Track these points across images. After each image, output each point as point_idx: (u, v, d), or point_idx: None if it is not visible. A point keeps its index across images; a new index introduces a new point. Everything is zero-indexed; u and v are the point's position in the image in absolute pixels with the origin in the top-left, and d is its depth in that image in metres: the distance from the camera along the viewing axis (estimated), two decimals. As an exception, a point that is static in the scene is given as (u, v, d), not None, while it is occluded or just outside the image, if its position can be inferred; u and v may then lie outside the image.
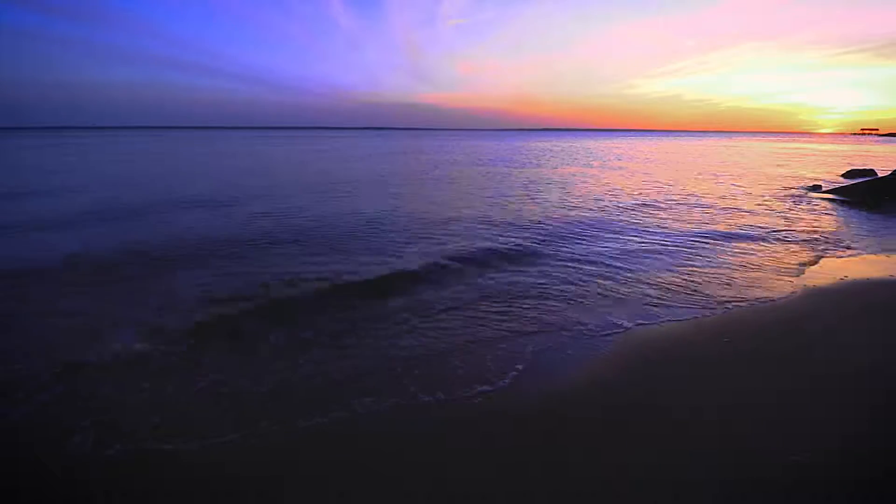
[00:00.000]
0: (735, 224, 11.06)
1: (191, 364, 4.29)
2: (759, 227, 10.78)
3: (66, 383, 3.93)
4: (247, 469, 3.02)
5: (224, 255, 7.91)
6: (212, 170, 24.25)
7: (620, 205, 13.75)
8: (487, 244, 8.69)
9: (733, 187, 18.29)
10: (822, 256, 8.19)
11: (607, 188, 17.77)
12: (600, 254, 8.23)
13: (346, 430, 3.40)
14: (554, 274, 7.03)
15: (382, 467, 3.03)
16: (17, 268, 7.02)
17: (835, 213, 12.67)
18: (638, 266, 7.45)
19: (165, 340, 4.68)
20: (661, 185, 19.05)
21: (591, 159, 34.78)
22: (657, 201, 14.51)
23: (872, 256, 8.23)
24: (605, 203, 14.07)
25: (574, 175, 22.89)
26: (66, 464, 3.05)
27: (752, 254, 8.29)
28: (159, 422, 3.45)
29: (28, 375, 4.04)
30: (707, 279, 6.80)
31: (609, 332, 5.03)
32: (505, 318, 5.38)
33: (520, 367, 4.31)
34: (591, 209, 12.99)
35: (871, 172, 21.64)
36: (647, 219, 11.67)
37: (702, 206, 13.76)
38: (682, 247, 8.78)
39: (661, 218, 11.81)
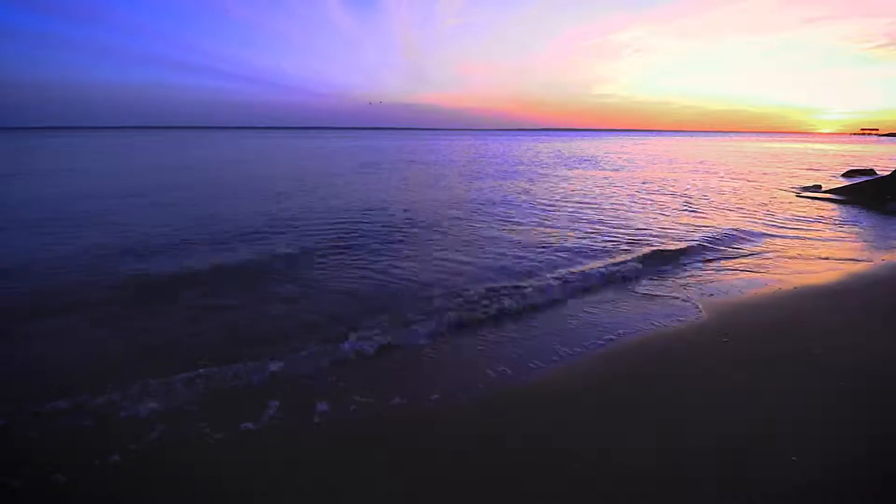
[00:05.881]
0: (734, 223, 11.04)
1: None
2: (759, 226, 10.76)
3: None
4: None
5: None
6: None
7: (609, 201, 13.73)
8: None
9: (731, 186, 18.27)
10: (822, 256, 8.17)
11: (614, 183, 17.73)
12: (592, 249, 8.21)
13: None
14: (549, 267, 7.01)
15: (371, 469, 3.02)
16: None
17: (835, 213, 12.66)
18: (628, 266, 7.41)
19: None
20: (656, 182, 19.04)
21: (592, 161, 34.73)
22: (648, 197, 14.50)
23: (872, 255, 8.21)
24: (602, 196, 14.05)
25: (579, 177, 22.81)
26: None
27: (750, 252, 8.26)
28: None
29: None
30: (705, 278, 6.78)
31: (607, 329, 5.02)
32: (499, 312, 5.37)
33: (517, 362, 4.30)
34: (586, 206, 12.97)
35: (871, 172, 21.64)
36: (637, 216, 11.64)
37: (699, 204, 13.74)
38: (677, 243, 8.75)
39: (655, 214, 11.79)
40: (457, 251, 8.14)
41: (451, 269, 7.16)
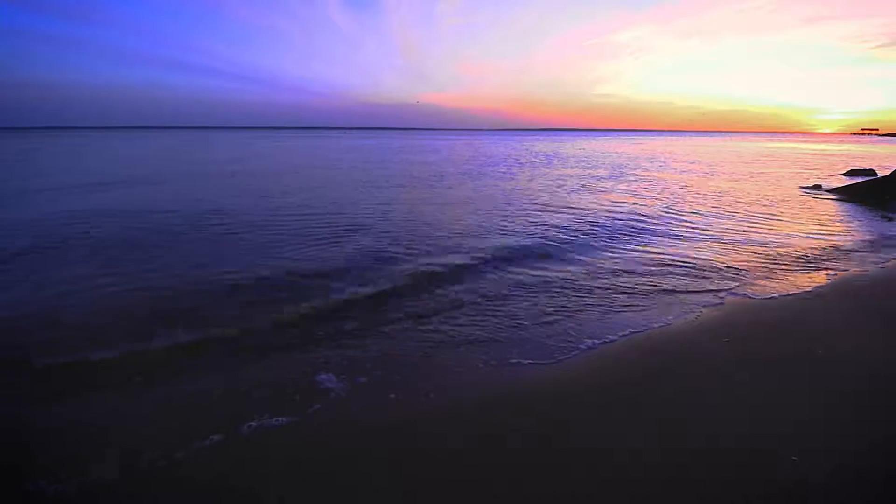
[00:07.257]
0: (734, 223, 11.03)
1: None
2: (759, 226, 10.74)
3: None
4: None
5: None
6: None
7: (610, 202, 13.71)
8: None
9: (732, 187, 18.24)
10: (823, 256, 8.15)
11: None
12: (592, 248, 8.21)
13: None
14: (555, 270, 7.00)
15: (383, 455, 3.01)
16: None
17: (835, 213, 12.65)
18: (630, 265, 7.41)
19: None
20: (653, 183, 19.02)
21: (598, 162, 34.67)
22: (648, 200, 14.48)
23: (873, 256, 8.20)
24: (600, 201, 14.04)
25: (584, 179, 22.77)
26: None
27: (751, 253, 8.25)
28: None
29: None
30: (706, 278, 6.77)
31: (608, 330, 5.01)
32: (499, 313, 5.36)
33: (523, 363, 4.30)
34: (588, 208, 12.96)
35: (872, 172, 21.63)
36: (639, 218, 11.63)
37: (700, 205, 13.72)
38: (680, 244, 8.74)
39: (656, 216, 11.77)
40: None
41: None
